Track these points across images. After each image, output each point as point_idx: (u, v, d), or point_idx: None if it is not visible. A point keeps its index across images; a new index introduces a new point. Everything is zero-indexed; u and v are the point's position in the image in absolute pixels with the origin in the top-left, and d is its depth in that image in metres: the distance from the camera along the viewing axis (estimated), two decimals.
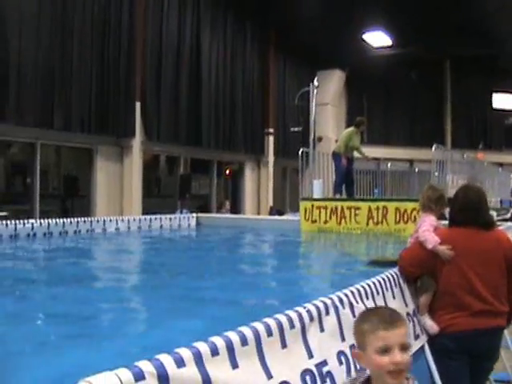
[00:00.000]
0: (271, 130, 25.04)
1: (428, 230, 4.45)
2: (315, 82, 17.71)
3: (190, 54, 20.11)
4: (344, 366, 3.03)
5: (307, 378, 2.68)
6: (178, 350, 2.08)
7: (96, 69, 16.45)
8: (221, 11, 21.82)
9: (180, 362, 2.03)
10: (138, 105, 17.81)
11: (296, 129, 22.47)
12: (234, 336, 2.34)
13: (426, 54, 26.70)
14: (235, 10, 22.47)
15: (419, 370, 4.17)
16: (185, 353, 2.08)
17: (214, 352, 2.19)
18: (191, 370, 2.07)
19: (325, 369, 2.85)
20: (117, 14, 17.08)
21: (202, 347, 2.16)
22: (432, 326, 4.35)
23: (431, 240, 4.33)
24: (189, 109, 19.94)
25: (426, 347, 4.37)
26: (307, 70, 26.23)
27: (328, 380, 2.84)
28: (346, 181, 15.30)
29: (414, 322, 4.33)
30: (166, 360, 1.99)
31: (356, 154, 15.48)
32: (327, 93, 26.07)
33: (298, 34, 24.19)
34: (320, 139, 24.38)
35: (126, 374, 1.84)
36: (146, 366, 1.92)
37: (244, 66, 23.32)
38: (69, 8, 15.54)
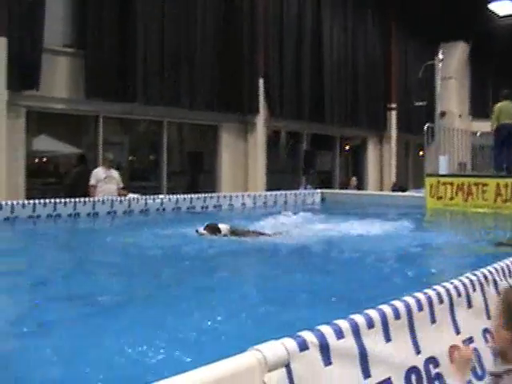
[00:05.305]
0: (393, 106, 24.59)
1: None
2: (440, 55, 17.25)
3: (311, 32, 20.07)
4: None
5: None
6: (336, 322, 2.14)
7: (219, 48, 16.76)
8: None
9: (339, 334, 2.09)
10: (261, 82, 17.96)
11: (420, 103, 21.92)
12: (387, 309, 2.38)
13: None
14: None
15: None
16: (343, 324, 2.14)
17: (370, 325, 2.25)
18: (349, 342, 2.13)
19: (471, 346, 2.84)
20: None
21: (359, 319, 2.22)
22: None
23: None
24: (311, 85, 19.93)
25: None
26: (429, 43, 25.41)
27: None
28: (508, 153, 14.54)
29: None
30: (327, 331, 2.06)
31: None
32: (450, 66, 25.17)
33: (420, 7, 23.52)
34: (443, 114, 23.65)
35: (291, 343, 1.93)
36: (308, 336, 1.99)
37: (365, 42, 22.99)
38: None
